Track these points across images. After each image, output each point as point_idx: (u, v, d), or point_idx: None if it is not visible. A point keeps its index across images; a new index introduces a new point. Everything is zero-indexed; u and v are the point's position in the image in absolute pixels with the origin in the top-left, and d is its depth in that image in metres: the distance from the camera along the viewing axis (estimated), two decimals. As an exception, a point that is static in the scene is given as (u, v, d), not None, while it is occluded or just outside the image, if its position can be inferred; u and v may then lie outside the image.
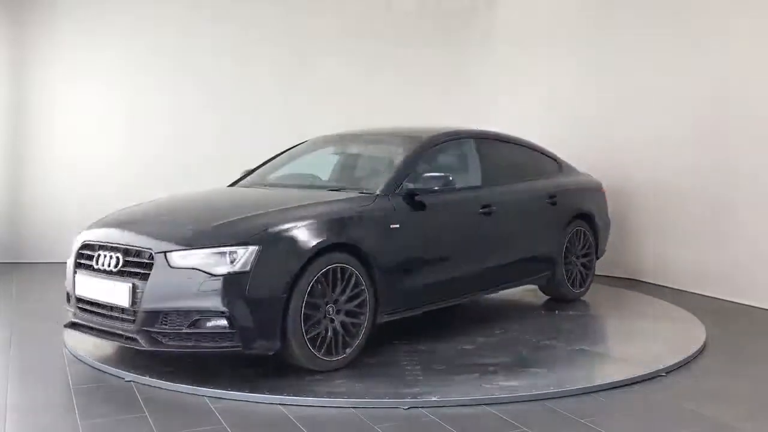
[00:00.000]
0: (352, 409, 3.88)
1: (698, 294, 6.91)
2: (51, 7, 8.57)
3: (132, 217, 4.93)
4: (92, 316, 4.52)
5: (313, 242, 4.35)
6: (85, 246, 4.68)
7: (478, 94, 9.37)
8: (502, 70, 9.16)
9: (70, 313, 4.77)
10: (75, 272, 4.66)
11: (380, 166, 5.62)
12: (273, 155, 6.26)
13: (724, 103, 6.70)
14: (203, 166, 8.86)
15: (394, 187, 5.06)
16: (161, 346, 4.19)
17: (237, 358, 4.89)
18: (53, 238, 8.60)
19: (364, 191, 5.05)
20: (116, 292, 4.30)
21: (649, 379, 4.38)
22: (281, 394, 4.03)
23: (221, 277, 4.11)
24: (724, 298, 6.69)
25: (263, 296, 4.16)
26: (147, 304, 4.17)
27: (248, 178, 5.98)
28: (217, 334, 4.14)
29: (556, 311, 6.23)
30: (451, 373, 4.39)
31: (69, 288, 4.74)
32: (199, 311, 4.12)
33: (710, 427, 3.70)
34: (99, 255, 4.51)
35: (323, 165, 6.04)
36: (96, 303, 4.48)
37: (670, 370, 4.54)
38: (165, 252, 4.22)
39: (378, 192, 4.99)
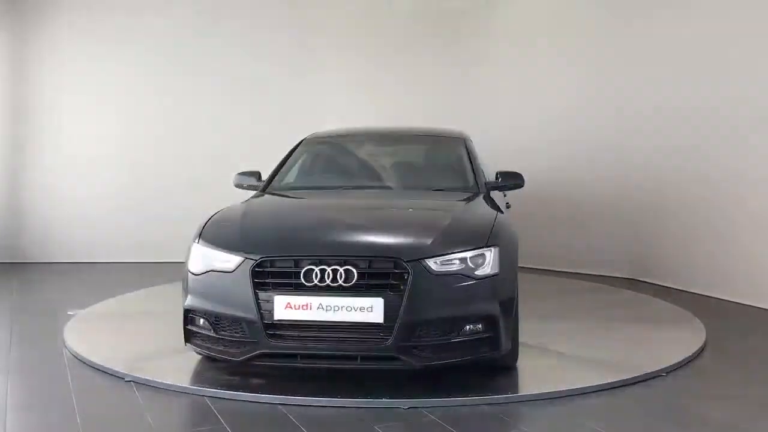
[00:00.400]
0: (352, 409, 3.87)
1: (698, 294, 6.91)
2: (51, 7, 8.58)
3: (310, 224, 4.45)
4: (305, 341, 3.91)
5: (517, 239, 4.43)
6: (266, 263, 3.96)
7: (478, 94, 9.37)
8: (502, 70, 9.15)
9: (227, 345, 4.07)
10: (256, 294, 3.91)
11: (444, 165, 5.66)
12: (286, 156, 5.85)
13: (728, 104, 6.69)
14: (203, 166, 8.88)
15: (485, 185, 5.22)
16: (424, 361, 3.90)
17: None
18: (53, 238, 8.62)
19: (466, 189, 5.12)
20: (362, 309, 3.82)
21: (649, 379, 4.37)
22: (281, 394, 4.03)
23: (483, 280, 3.99)
24: (724, 298, 6.68)
25: (508, 297, 4.12)
26: (408, 317, 3.81)
27: (295, 181, 5.48)
28: (477, 341, 4.01)
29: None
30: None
31: (248, 314, 3.92)
32: (466, 318, 3.95)
33: (710, 427, 3.69)
34: (311, 270, 3.88)
35: (368, 165, 5.87)
36: (318, 325, 3.88)
37: (670, 370, 4.53)
38: (420, 259, 3.90)
39: (482, 190, 5.11)
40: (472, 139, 6.43)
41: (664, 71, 7.28)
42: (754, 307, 6.37)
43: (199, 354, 4.37)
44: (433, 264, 3.91)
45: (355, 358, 3.91)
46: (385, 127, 6.40)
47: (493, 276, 4.01)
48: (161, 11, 8.78)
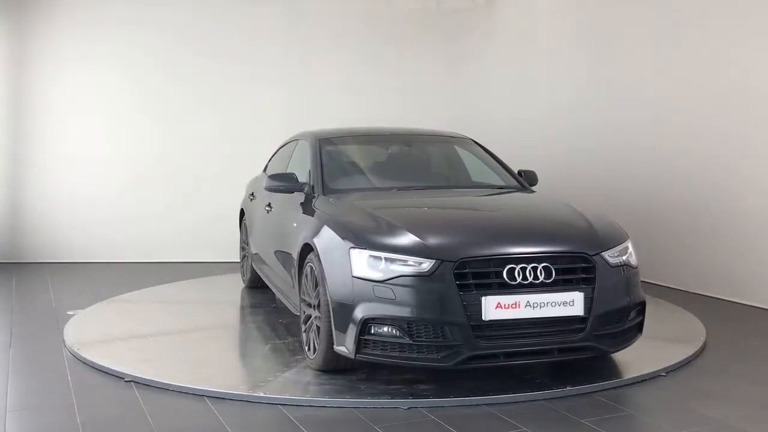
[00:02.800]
0: (352, 409, 3.88)
1: (698, 294, 6.90)
2: (51, 7, 8.57)
3: (489, 224, 4.50)
4: (510, 339, 3.98)
5: None
6: (465, 264, 3.95)
7: (478, 94, 9.38)
8: (502, 70, 9.16)
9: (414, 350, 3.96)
10: (461, 295, 3.90)
11: (473, 163, 5.90)
12: (317, 157, 5.49)
13: (727, 102, 6.69)
14: (203, 167, 8.88)
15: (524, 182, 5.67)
16: (614, 347, 4.26)
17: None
18: (53, 238, 8.62)
19: (513, 186, 5.54)
20: (565, 304, 3.98)
21: (649, 379, 4.38)
22: (281, 394, 4.04)
23: (636, 270, 4.42)
24: (724, 298, 6.68)
25: None
26: (600, 308, 4.08)
27: (346, 182, 5.35)
28: (634, 327, 4.41)
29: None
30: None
31: (452, 317, 3.88)
32: (632, 305, 4.31)
33: (710, 427, 3.69)
34: (513, 269, 3.96)
35: (393, 165, 5.91)
36: (523, 323, 3.97)
37: (670, 370, 4.53)
38: (599, 253, 4.17)
39: (527, 187, 5.54)
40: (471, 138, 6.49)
41: (664, 69, 7.28)
42: (754, 307, 6.37)
43: (377, 362, 4.10)
44: (608, 257, 4.21)
45: (551, 351, 4.06)
46: (391, 128, 6.46)
47: (637, 266, 4.43)
48: (162, 13, 8.78)
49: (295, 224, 5.03)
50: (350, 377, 4.31)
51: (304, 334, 4.65)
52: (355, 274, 4.04)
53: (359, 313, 3.98)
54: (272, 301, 6.43)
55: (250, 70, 9.00)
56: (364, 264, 4.03)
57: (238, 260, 7.52)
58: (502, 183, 5.60)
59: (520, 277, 3.96)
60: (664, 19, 7.29)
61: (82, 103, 8.68)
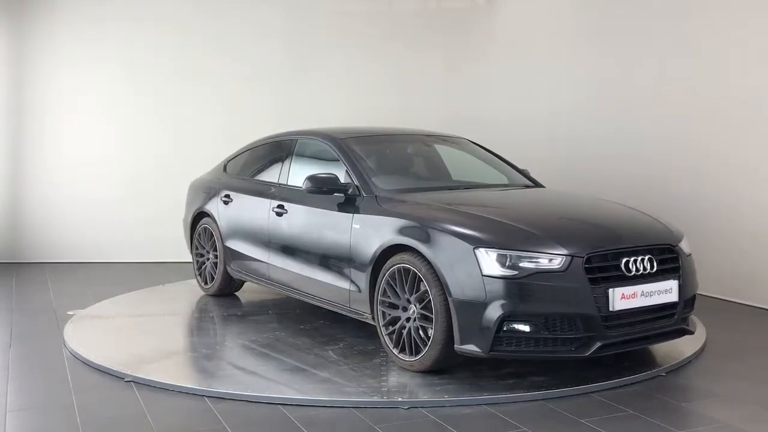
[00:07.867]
0: (352, 409, 3.88)
1: (698, 294, 6.88)
2: (50, 8, 8.58)
3: (598, 219, 4.77)
4: (629, 328, 4.24)
5: None
6: (591, 258, 4.15)
7: (477, 94, 9.37)
8: (502, 70, 9.15)
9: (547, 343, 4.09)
10: (591, 289, 4.09)
11: (485, 163, 6.07)
12: (348, 158, 5.40)
13: (725, 102, 6.69)
14: (203, 167, 8.87)
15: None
16: (692, 330, 4.66)
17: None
18: (53, 238, 8.62)
19: (525, 184, 5.78)
20: (666, 291, 4.37)
21: (649, 379, 4.38)
22: (281, 394, 4.04)
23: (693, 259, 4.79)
24: (724, 298, 6.68)
25: None
26: (685, 294, 4.48)
27: (389, 183, 5.24)
28: (691, 312, 4.74)
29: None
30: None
31: (585, 309, 4.07)
32: (695, 292, 4.73)
33: (710, 427, 3.69)
34: (627, 262, 4.23)
35: (413, 164, 6.01)
36: (637, 311, 4.25)
37: (670, 370, 4.53)
38: (678, 244, 4.58)
39: (539, 185, 5.83)
40: (472, 139, 6.50)
41: (665, 69, 7.28)
42: (754, 307, 6.37)
43: (509, 358, 4.25)
44: (684, 247, 4.63)
45: (652, 336, 4.40)
46: (397, 128, 6.50)
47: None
48: (160, 13, 8.77)
49: (357, 226, 4.85)
50: (452, 375, 4.32)
51: (386, 337, 4.55)
52: (486, 273, 4.07)
53: (494, 311, 4.02)
54: (268, 307, 6.42)
55: (250, 69, 8.99)
56: (493, 263, 4.08)
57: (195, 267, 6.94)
58: (518, 182, 5.80)
59: (634, 268, 4.24)
60: (664, 19, 7.29)
61: (81, 102, 8.67)
